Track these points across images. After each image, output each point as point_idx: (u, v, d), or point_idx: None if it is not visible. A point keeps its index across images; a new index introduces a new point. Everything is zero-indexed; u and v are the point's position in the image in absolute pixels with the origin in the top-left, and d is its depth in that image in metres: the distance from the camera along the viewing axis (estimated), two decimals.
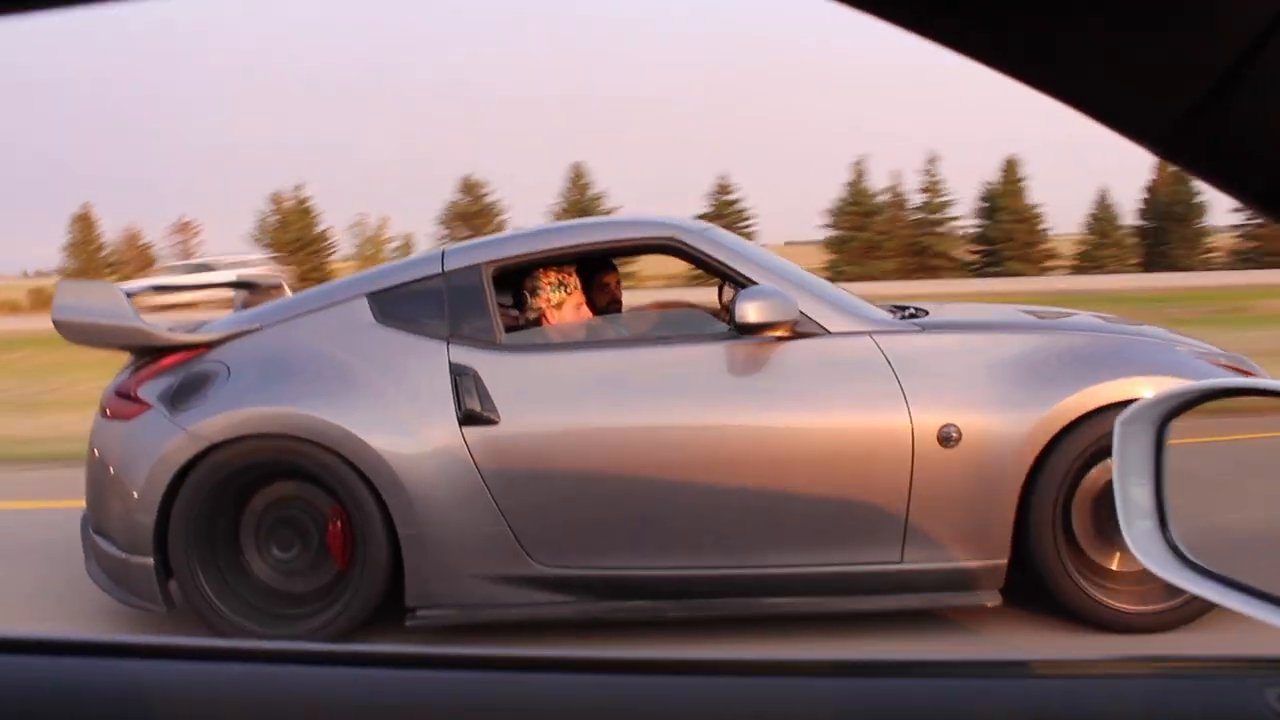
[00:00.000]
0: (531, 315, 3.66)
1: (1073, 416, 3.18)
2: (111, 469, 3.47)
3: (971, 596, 3.26)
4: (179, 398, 3.41)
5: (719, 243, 3.52)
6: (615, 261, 4.30)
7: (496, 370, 3.34)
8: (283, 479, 3.45)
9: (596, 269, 4.14)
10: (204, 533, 3.40)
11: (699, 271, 3.78)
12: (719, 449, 3.25)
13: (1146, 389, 3.18)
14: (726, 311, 3.80)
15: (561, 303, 3.66)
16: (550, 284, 3.66)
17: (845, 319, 3.37)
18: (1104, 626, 3.23)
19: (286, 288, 4.71)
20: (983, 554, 3.23)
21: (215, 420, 3.32)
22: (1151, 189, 38.45)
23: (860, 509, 3.24)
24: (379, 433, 3.28)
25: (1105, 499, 3.24)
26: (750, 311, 3.22)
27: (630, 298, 4.39)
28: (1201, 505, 1.04)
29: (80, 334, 3.54)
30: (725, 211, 40.29)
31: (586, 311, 3.76)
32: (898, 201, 41.11)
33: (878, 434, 3.22)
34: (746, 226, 42.83)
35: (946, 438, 3.19)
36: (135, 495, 3.36)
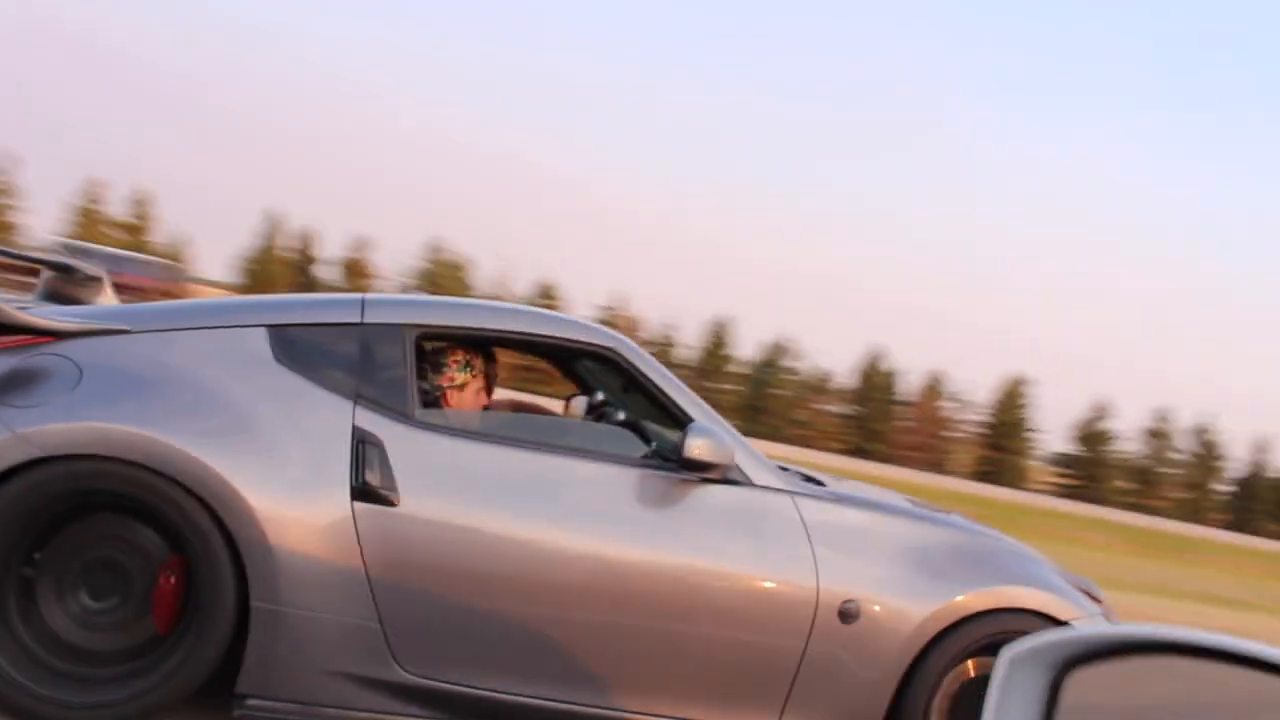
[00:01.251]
0: (429, 391, 3.35)
1: (963, 614, 3.26)
2: None
3: None
4: (14, 391, 2.81)
5: (655, 364, 3.38)
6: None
7: (406, 447, 2.99)
8: (112, 513, 2.89)
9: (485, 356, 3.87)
10: (15, 563, 2.77)
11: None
12: (625, 582, 3.06)
13: (1031, 599, 3.33)
14: None
15: (464, 385, 3.39)
16: (458, 363, 3.38)
17: (768, 474, 3.31)
18: None
19: (109, 285, 4.05)
20: None
21: (56, 428, 2.75)
22: None
23: (751, 668, 3.14)
24: (256, 485, 2.84)
25: (961, 697, 3.33)
26: (701, 449, 3.09)
27: None
28: None
29: None
30: None
31: (483, 398, 3.49)
32: None
33: (783, 596, 3.15)
34: None
35: (846, 612, 3.17)
36: None
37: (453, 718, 2.99)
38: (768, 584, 3.15)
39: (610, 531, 3.07)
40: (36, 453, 2.73)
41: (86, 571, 2.88)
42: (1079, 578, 3.73)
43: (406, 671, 2.93)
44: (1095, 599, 3.58)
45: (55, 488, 2.77)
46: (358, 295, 3.29)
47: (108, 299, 3.93)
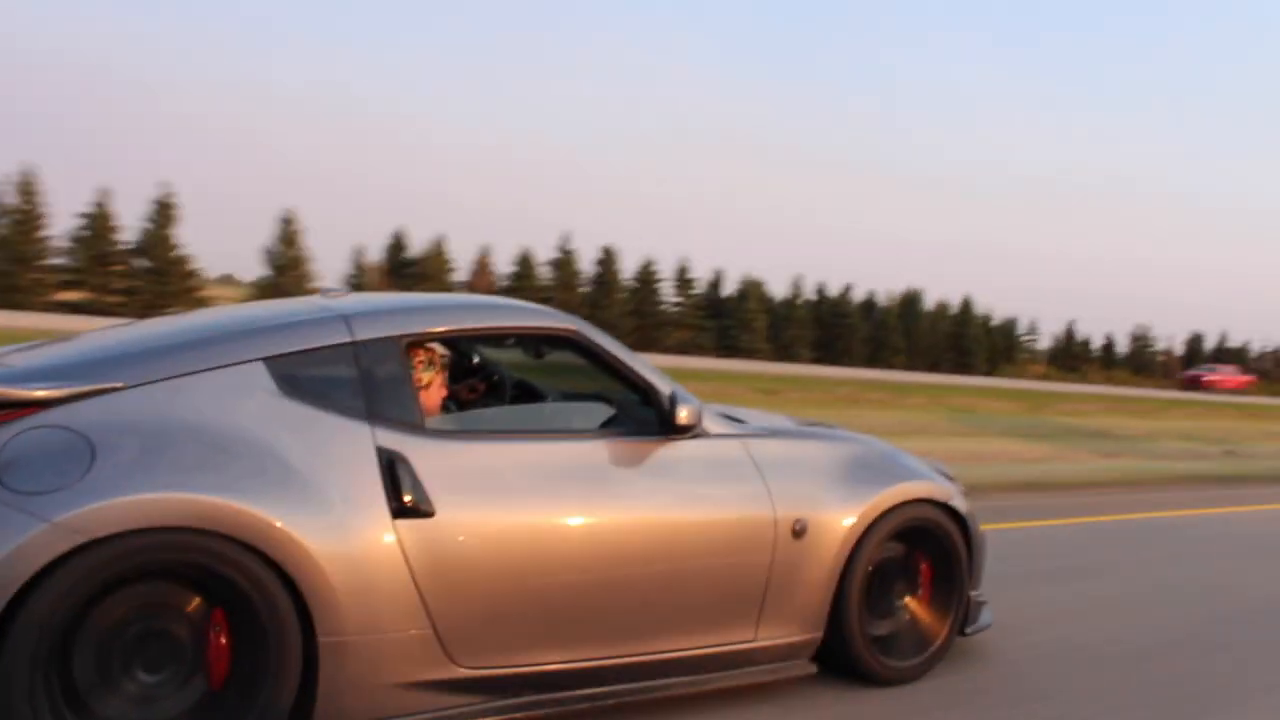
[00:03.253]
0: None
1: (879, 512, 3.91)
2: None
3: (799, 667, 3.80)
4: (18, 475, 2.57)
5: (613, 342, 3.63)
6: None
7: (428, 457, 3.08)
8: (143, 582, 2.75)
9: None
10: (56, 655, 2.58)
11: None
12: (633, 540, 3.37)
13: (921, 490, 4.05)
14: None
15: (430, 383, 3.47)
16: (422, 363, 3.44)
17: (720, 424, 3.72)
18: (881, 683, 3.97)
19: None
20: (809, 628, 3.79)
21: (100, 508, 2.57)
22: None
23: (732, 593, 3.60)
24: (304, 525, 2.82)
25: (873, 579, 4.00)
26: (689, 414, 3.45)
27: None
28: None
29: None
30: None
31: (444, 391, 3.59)
32: None
33: (751, 527, 3.62)
34: None
35: (798, 530, 3.71)
36: None
37: (507, 697, 3.20)
38: (739, 518, 3.60)
39: (616, 498, 3.36)
40: (80, 539, 2.54)
41: (131, 647, 2.73)
42: (932, 461, 4.52)
43: (462, 666, 3.09)
44: (949, 478, 4.38)
45: (108, 569, 2.60)
46: (331, 309, 3.24)
47: None
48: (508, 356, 4.43)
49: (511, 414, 3.66)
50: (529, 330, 3.55)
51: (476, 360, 4.37)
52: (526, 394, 4.17)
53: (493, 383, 4.27)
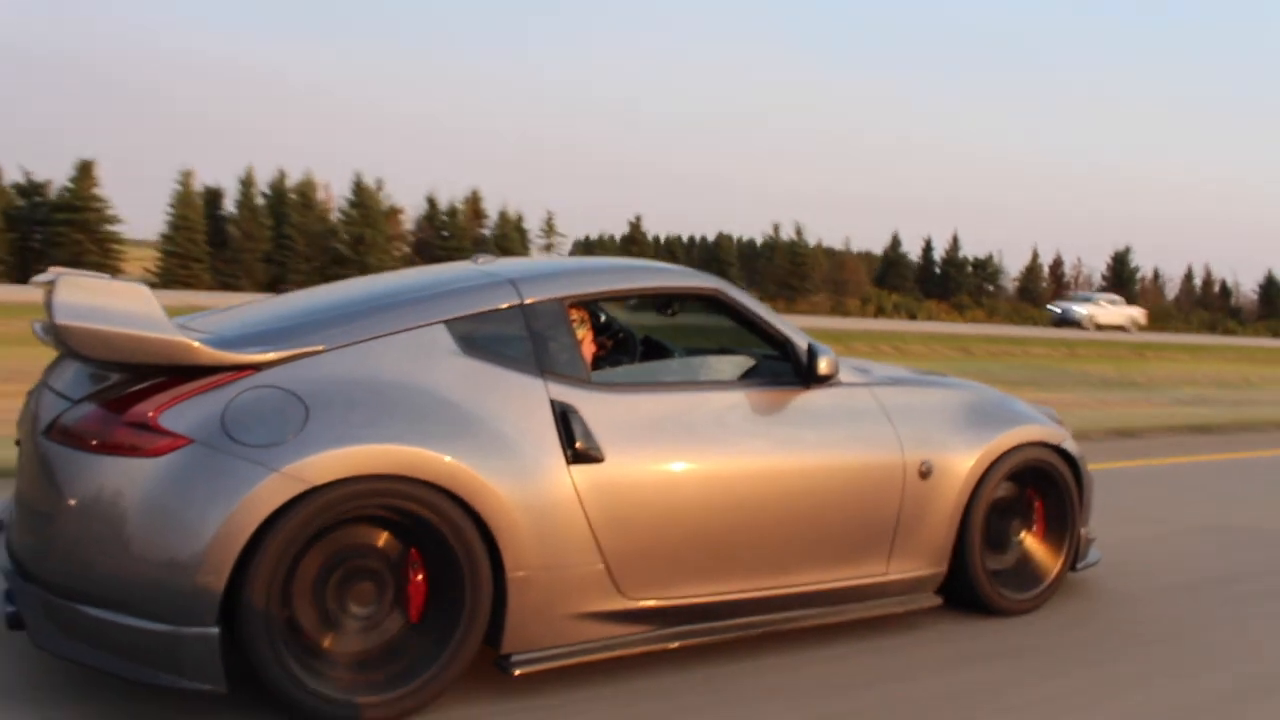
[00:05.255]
0: None
1: (997, 454, 4.11)
2: (136, 519, 2.75)
3: (925, 599, 4.03)
4: (244, 431, 2.83)
5: (753, 300, 3.85)
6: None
7: (595, 408, 3.32)
8: (352, 524, 3.03)
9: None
10: (287, 591, 2.87)
11: None
12: (779, 483, 3.61)
13: (1035, 433, 4.25)
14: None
15: (582, 340, 3.70)
16: (574, 321, 3.67)
17: (851, 372, 3.94)
18: (999, 614, 4.20)
19: None
20: (935, 563, 4.02)
21: (318, 459, 2.83)
22: None
23: (867, 531, 3.83)
24: (496, 472, 3.08)
25: (991, 514, 4.22)
26: (828, 364, 3.67)
27: None
28: None
29: (96, 346, 2.75)
30: None
31: (594, 347, 3.82)
32: None
33: (882, 469, 3.84)
34: None
35: (924, 471, 3.92)
36: (196, 551, 2.73)
37: (670, 626, 3.46)
38: (871, 461, 3.82)
39: (762, 443, 3.60)
40: (302, 487, 2.81)
41: (340, 585, 3.01)
42: (1044, 407, 4.70)
43: (628, 598, 3.35)
44: (1059, 422, 4.56)
45: (328, 513, 2.87)
46: (497, 274, 3.47)
47: None
48: (623, 316, 4.66)
49: (665, 367, 3.89)
50: (676, 290, 3.77)
51: (604, 319, 4.60)
52: (653, 350, 4.40)
53: (619, 340, 4.50)
